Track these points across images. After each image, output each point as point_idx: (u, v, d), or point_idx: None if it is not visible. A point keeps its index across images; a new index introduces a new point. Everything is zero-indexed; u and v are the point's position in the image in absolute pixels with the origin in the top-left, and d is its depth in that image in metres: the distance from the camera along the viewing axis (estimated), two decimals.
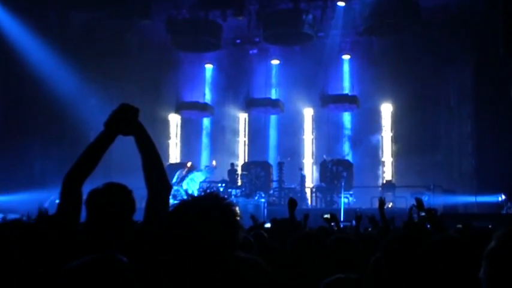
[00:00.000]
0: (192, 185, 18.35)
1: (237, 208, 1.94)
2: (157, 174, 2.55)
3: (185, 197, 1.95)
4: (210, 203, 1.90)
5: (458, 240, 3.10)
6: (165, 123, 23.80)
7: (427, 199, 16.77)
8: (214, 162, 20.12)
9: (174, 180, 19.00)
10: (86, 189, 2.74)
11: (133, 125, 2.60)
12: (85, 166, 2.63)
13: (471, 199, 16.98)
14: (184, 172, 19.25)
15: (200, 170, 19.68)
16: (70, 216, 2.63)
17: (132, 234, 2.63)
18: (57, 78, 18.83)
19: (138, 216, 2.69)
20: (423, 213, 6.03)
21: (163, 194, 2.55)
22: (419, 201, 6.19)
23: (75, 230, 2.60)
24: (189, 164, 19.99)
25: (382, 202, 6.93)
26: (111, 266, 1.62)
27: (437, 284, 2.88)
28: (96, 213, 2.67)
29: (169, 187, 2.60)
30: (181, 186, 18.09)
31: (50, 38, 18.91)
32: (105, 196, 2.70)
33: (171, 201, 2.38)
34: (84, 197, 2.69)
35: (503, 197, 15.66)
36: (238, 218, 1.90)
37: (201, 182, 18.74)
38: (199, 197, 1.94)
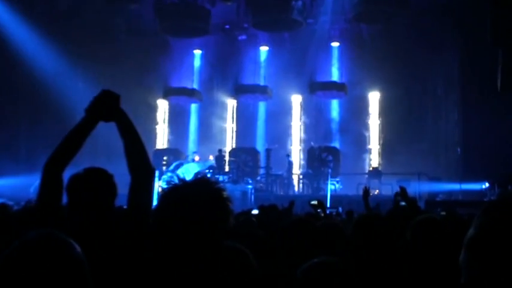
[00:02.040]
0: (187, 174, 18.36)
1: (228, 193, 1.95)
2: (140, 159, 2.55)
3: (177, 182, 1.96)
4: (201, 187, 1.91)
5: (440, 221, 3.17)
6: (153, 109, 23.69)
7: (413, 187, 16.94)
8: (211, 157, 20.08)
9: (171, 167, 19.02)
10: (71, 174, 2.73)
11: (115, 111, 2.59)
12: (66, 153, 2.61)
13: (456, 187, 17.14)
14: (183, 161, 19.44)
15: (198, 163, 19.72)
16: (51, 202, 2.62)
17: (114, 218, 2.63)
18: (44, 62, 18.69)
19: (124, 201, 2.69)
20: (403, 203, 6.08)
21: (146, 179, 2.55)
22: (403, 190, 6.24)
23: (57, 215, 2.59)
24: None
25: (366, 191, 6.95)
26: (46, 245, 1.54)
27: (418, 265, 2.94)
28: (76, 198, 2.67)
29: (152, 171, 2.60)
30: (176, 173, 18.10)
31: (36, 22, 18.72)
32: (86, 181, 2.69)
33: (164, 186, 2.38)
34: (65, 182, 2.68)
35: (487, 184, 15.83)
36: (229, 203, 1.92)
37: (195, 173, 18.76)
38: (190, 181, 1.96)
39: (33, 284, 1.48)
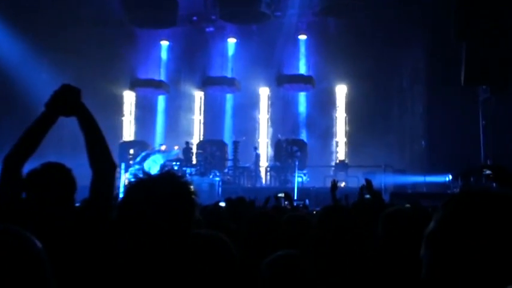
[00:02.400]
0: (153, 166, 18.25)
1: (193, 186, 1.95)
2: (101, 153, 2.52)
3: (141, 175, 1.96)
4: (165, 180, 1.91)
5: (409, 213, 3.22)
6: (119, 100, 23.43)
7: (378, 179, 17.15)
8: (176, 147, 19.97)
9: (138, 159, 18.87)
10: (34, 165, 2.69)
11: (75, 106, 2.55)
12: (26, 148, 2.56)
13: (421, 179, 17.42)
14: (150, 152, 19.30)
15: (164, 153, 19.59)
16: (10, 197, 2.58)
17: (73, 212, 2.61)
18: (6, 51, 18.27)
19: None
20: (368, 196, 6.16)
21: (108, 173, 2.53)
22: (368, 183, 6.31)
23: (15, 210, 2.55)
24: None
25: (334, 184, 7.00)
26: (5, 239, 1.51)
27: (389, 257, 2.98)
28: (34, 194, 2.64)
29: (114, 165, 2.58)
30: (143, 166, 17.98)
31: None
32: (43, 176, 2.67)
33: (131, 179, 2.37)
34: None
35: (450, 177, 16.12)
36: (194, 196, 1.92)
37: (161, 164, 18.66)
38: (155, 175, 1.95)
39: None
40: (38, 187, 2.63)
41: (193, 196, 1.92)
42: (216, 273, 1.93)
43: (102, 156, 2.52)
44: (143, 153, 19.37)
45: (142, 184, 1.92)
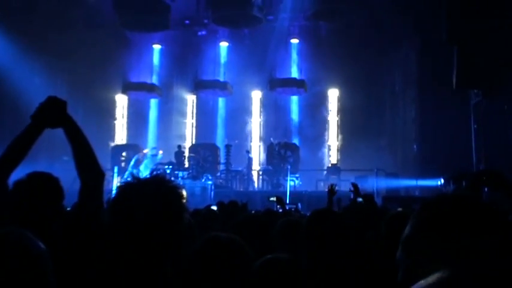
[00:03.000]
0: (144, 170, 18.22)
1: (183, 190, 1.95)
2: (88, 164, 2.51)
3: (130, 179, 1.95)
4: (154, 185, 1.91)
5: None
6: (112, 104, 23.40)
7: (370, 183, 17.19)
8: (160, 152, 19.93)
9: (132, 163, 18.82)
10: (28, 170, 2.68)
11: (62, 118, 2.55)
12: (11, 159, 2.52)
13: (413, 183, 17.45)
14: (140, 157, 19.21)
15: (152, 156, 19.61)
16: None
17: (61, 221, 2.60)
18: None
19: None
20: (360, 199, 6.18)
21: (96, 182, 2.53)
22: (355, 187, 6.32)
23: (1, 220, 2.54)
24: (145, 151, 19.82)
25: (331, 190, 6.97)
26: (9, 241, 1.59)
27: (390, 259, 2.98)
28: (21, 205, 2.63)
29: (102, 175, 2.57)
30: (139, 170, 17.95)
31: None
32: (30, 187, 2.66)
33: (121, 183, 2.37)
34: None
35: (442, 181, 16.16)
36: (183, 200, 1.92)
37: (151, 168, 18.62)
38: (144, 179, 1.95)
39: None
40: (24, 197, 2.63)
41: (182, 200, 1.91)
42: (236, 276, 1.97)
43: (90, 166, 2.51)
44: (136, 157, 19.31)
45: (131, 188, 1.92)
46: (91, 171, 2.50)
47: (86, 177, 2.48)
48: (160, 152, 19.97)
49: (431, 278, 1.06)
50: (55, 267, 1.66)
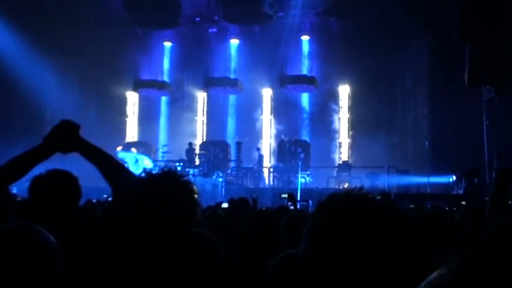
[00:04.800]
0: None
1: (195, 186, 1.95)
2: (116, 175, 2.49)
3: (143, 175, 1.96)
4: (167, 180, 1.91)
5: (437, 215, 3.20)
6: (123, 101, 23.47)
7: (381, 179, 17.14)
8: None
9: (132, 162, 18.84)
10: (38, 168, 2.68)
11: (74, 143, 2.51)
12: (14, 172, 2.48)
13: (424, 180, 17.38)
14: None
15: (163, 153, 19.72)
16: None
17: (76, 220, 2.61)
18: (9, 53, 18.29)
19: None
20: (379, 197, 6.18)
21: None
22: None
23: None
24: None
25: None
26: (24, 235, 1.62)
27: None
28: (38, 200, 2.63)
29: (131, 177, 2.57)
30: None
31: (1, 12, 18.28)
32: (48, 184, 2.66)
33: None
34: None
35: (454, 178, 16.09)
36: (195, 196, 1.92)
37: (160, 165, 18.65)
38: (157, 174, 1.95)
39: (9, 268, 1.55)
40: (42, 194, 2.62)
41: (194, 195, 1.91)
42: (206, 270, 1.96)
43: (118, 175, 2.48)
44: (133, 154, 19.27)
45: (144, 183, 1.92)
46: (120, 179, 2.47)
47: (117, 185, 2.45)
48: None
49: (433, 276, 1.08)
50: (67, 261, 1.68)
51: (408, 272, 1.28)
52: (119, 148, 19.35)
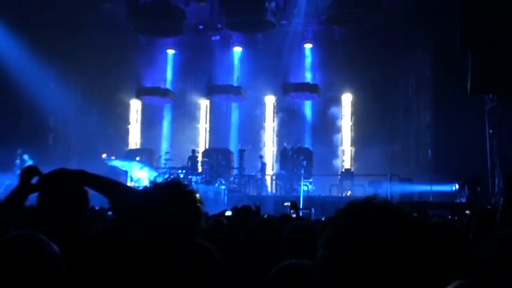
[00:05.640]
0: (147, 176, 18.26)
1: (199, 195, 1.95)
2: (116, 197, 2.47)
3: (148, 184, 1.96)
4: (171, 189, 1.91)
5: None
6: (126, 109, 23.52)
7: (384, 188, 17.10)
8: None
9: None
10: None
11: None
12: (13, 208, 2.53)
13: (427, 188, 17.34)
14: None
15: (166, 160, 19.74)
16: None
17: (82, 229, 2.61)
18: (12, 60, 18.36)
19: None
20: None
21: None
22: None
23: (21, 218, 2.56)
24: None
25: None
26: (28, 245, 1.63)
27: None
28: (45, 208, 2.63)
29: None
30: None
31: (4, 19, 18.35)
32: (56, 191, 2.66)
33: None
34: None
35: (457, 186, 16.06)
36: (199, 205, 1.92)
37: (162, 173, 18.65)
38: (160, 183, 1.95)
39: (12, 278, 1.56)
40: (49, 201, 2.63)
41: (198, 204, 1.92)
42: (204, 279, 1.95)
43: (118, 198, 2.47)
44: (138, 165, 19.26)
45: (147, 192, 1.92)
46: (120, 199, 2.46)
47: (113, 199, 2.44)
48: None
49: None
50: (71, 271, 1.69)
51: (426, 283, 1.27)
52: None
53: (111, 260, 2.03)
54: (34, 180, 2.52)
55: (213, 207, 11.35)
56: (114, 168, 18.52)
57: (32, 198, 2.62)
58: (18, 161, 17.47)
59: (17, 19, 18.89)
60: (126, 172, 19.13)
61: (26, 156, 17.27)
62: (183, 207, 1.88)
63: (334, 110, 22.08)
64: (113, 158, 19.34)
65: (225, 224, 5.45)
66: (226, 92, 22.77)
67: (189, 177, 18.66)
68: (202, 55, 22.78)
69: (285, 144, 20.95)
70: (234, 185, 20.00)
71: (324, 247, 1.34)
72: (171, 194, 1.89)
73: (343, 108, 22.21)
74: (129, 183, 17.75)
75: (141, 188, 1.97)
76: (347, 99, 22.14)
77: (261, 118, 22.89)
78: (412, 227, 1.31)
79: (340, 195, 18.75)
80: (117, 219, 2.34)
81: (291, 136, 21.74)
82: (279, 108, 22.95)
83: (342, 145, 22.03)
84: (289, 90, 22.09)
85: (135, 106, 23.88)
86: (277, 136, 22.75)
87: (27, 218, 2.57)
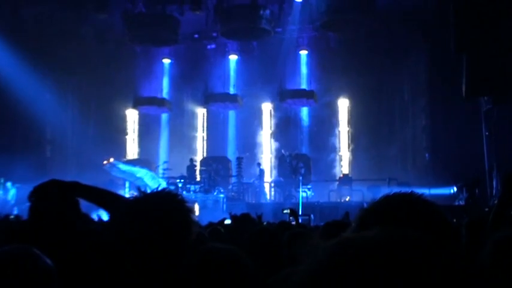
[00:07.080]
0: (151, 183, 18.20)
1: (194, 204, 1.96)
2: (111, 207, 2.47)
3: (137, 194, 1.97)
4: (161, 199, 1.92)
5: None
6: (123, 119, 23.50)
7: (383, 192, 17.07)
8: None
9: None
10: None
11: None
12: None
13: (425, 191, 17.24)
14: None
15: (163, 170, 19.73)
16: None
17: (77, 241, 2.61)
18: (8, 72, 18.35)
19: None
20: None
21: None
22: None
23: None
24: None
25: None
26: (22, 259, 1.64)
27: None
28: (38, 222, 2.64)
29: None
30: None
31: (0, 31, 18.39)
32: (49, 204, 2.66)
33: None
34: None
35: (455, 189, 16.08)
36: (190, 214, 1.93)
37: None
38: (151, 194, 1.96)
39: None
40: (42, 215, 2.63)
41: (189, 213, 1.92)
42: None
43: (114, 207, 2.48)
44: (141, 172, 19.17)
45: (139, 202, 1.93)
46: (113, 209, 2.46)
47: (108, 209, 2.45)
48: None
49: None
50: (63, 283, 1.69)
51: None
52: (111, 160, 19.03)
53: (103, 271, 2.03)
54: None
55: (212, 216, 11.36)
56: (112, 179, 18.46)
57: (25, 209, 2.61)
58: (0, 190, 17.22)
59: (13, 30, 18.93)
60: (124, 182, 19.09)
61: (8, 184, 17.06)
62: (174, 216, 1.88)
63: (331, 115, 22.10)
64: (123, 159, 19.18)
65: (223, 232, 5.45)
66: (223, 100, 22.77)
67: (188, 186, 18.65)
68: (198, 64, 22.82)
69: (282, 151, 20.98)
70: (232, 193, 20.00)
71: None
72: (161, 203, 1.90)
73: (339, 114, 22.23)
74: (129, 192, 17.80)
75: (132, 198, 1.97)
76: (343, 104, 22.17)
77: (258, 125, 22.90)
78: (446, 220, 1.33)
79: (339, 200, 18.75)
80: (110, 228, 2.34)
81: (288, 143, 21.76)
82: (276, 115, 22.96)
83: (339, 150, 22.04)
84: (286, 97, 22.12)
85: (132, 116, 23.87)
86: (274, 143, 22.75)
87: (19, 231, 2.57)
